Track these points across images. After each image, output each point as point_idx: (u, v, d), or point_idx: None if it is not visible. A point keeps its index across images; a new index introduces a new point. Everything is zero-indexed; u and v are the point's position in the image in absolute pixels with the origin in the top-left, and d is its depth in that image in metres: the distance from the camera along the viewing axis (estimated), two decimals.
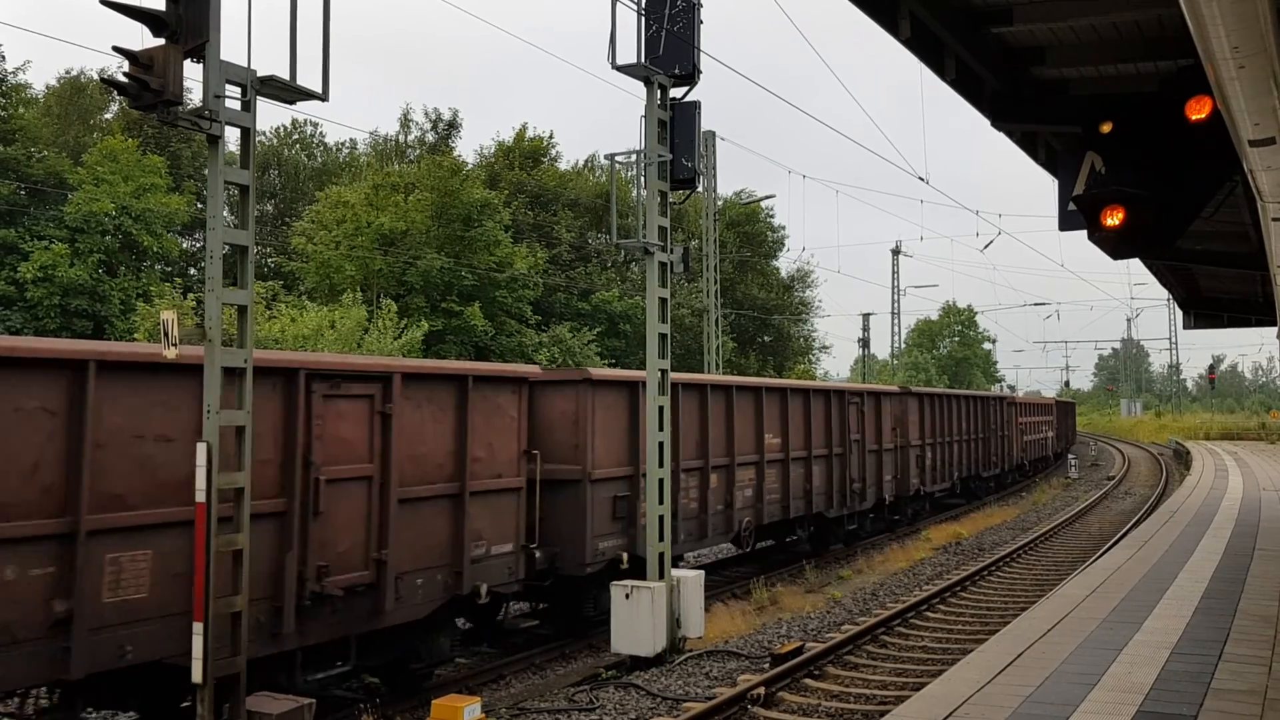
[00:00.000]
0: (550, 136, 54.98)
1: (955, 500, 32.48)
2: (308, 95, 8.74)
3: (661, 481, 13.14)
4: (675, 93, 13.25)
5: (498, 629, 14.12)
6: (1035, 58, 9.65)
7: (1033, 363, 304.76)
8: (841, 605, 16.72)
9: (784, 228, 62.20)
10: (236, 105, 8.44)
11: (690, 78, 13.12)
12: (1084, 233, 8.59)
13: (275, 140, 59.27)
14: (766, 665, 12.31)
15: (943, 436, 29.23)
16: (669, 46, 12.91)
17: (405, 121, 58.03)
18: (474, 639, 14.06)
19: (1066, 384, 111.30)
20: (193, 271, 42.45)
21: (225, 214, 8.57)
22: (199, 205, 39.69)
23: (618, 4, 12.35)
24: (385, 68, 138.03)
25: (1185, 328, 26.47)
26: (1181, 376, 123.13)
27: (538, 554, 13.09)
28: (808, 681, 11.83)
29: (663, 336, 13.28)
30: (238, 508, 8.58)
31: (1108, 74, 9.71)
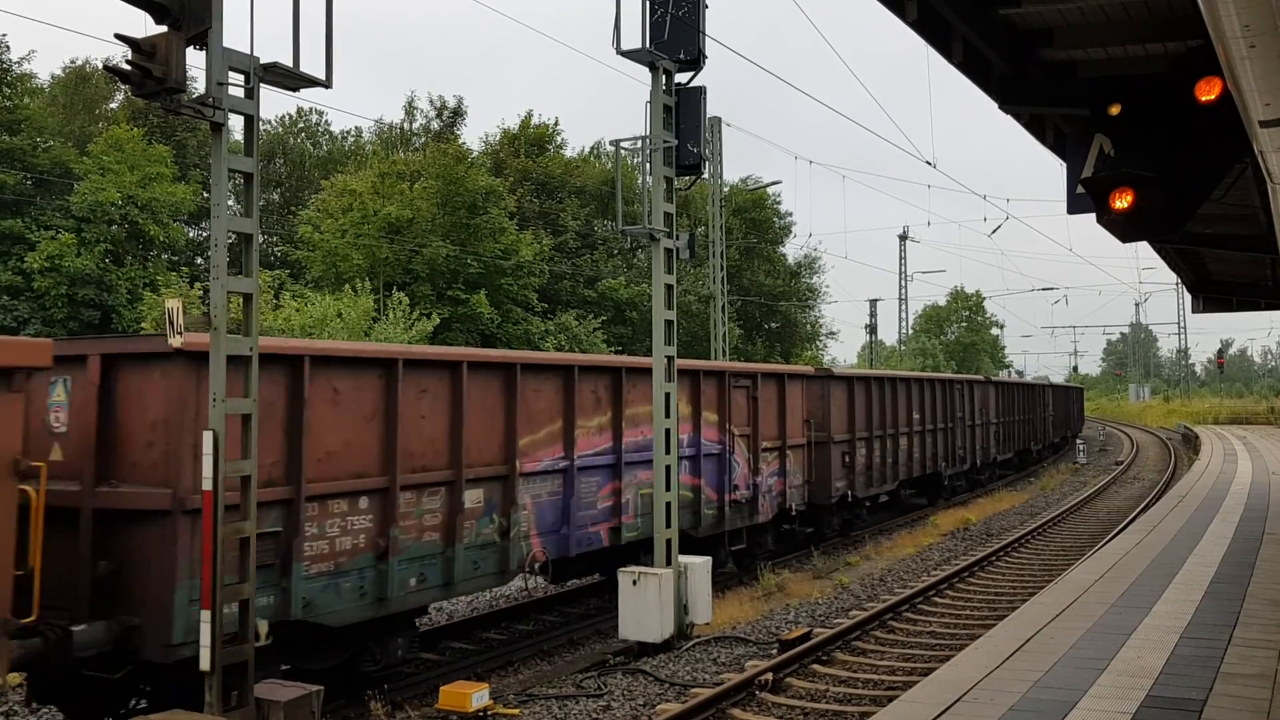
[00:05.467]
0: (556, 123, 54.96)
1: (919, 500, 28.16)
2: (311, 82, 8.71)
3: (668, 469, 13.14)
4: (680, 78, 13.19)
5: None
6: (1043, 39, 9.58)
7: (1041, 348, 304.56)
8: (849, 591, 16.71)
9: (790, 214, 62.17)
10: (240, 93, 8.41)
11: (695, 63, 13.05)
12: (1093, 216, 8.55)
13: (280, 129, 59.26)
14: (774, 651, 12.31)
15: (890, 429, 24.01)
16: (674, 31, 12.85)
17: (410, 109, 58.05)
18: None
19: (1075, 369, 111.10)
20: (199, 261, 42.49)
21: (230, 202, 8.56)
22: (205, 194, 39.69)
23: None
24: (369, 48, 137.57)
25: (1194, 311, 26.35)
26: (1190, 361, 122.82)
27: (79, 633, 8.33)
28: (816, 667, 11.84)
29: (669, 323, 13.25)
30: (244, 495, 8.59)
31: (1116, 55, 9.63)
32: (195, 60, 8.22)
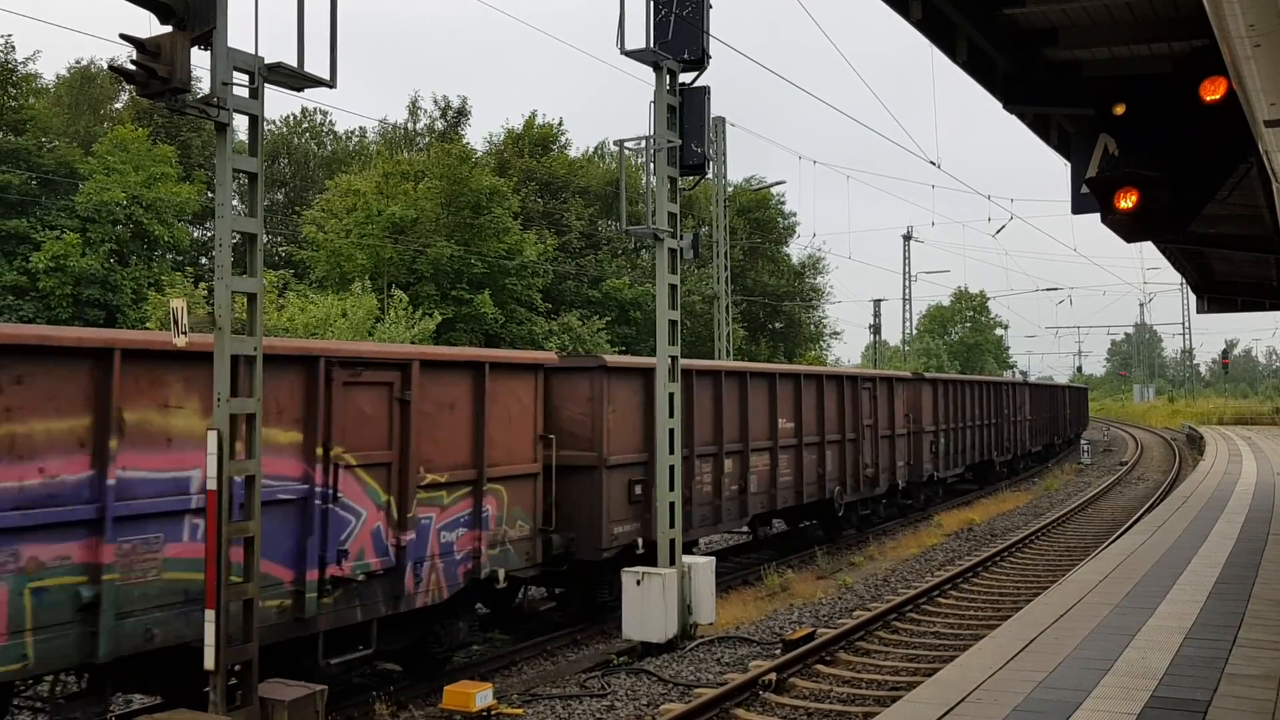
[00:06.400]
0: (560, 124, 55.00)
1: (817, 533, 21.71)
2: (315, 82, 8.72)
3: (672, 469, 13.14)
4: (684, 78, 13.18)
5: None
6: (1048, 39, 9.58)
7: (1045, 348, 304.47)
8: (853, 591, 16.70)
9: (794, 214, 62.20)
10: (244, 93, 8.42)
11: (699, 63, 13.05)
12: (1097, 216, 8.54)
13: (285, 129, 59.36)
14: (778, 651, 12.31)
15: (733, 443, 17.03)
16: (678, 31, 12.84)
17: (414, 109, 58.14)
18: None
19: (1079, 369, 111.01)
20: (204, 260, 42.55)
21: (235, 202, 8.58)
22: (209, 194, 39.74)
23: None
24: (373, 50, 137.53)
25: (1199, 312, 26.32)
26: (1195, 361, 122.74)
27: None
28: (819, 667, 11.83)
29: (673, 323, 13.25)
30: (248, 495, 8.60)
31: (1121, 55, 9.63)
32: (200, 60, 8.24)
